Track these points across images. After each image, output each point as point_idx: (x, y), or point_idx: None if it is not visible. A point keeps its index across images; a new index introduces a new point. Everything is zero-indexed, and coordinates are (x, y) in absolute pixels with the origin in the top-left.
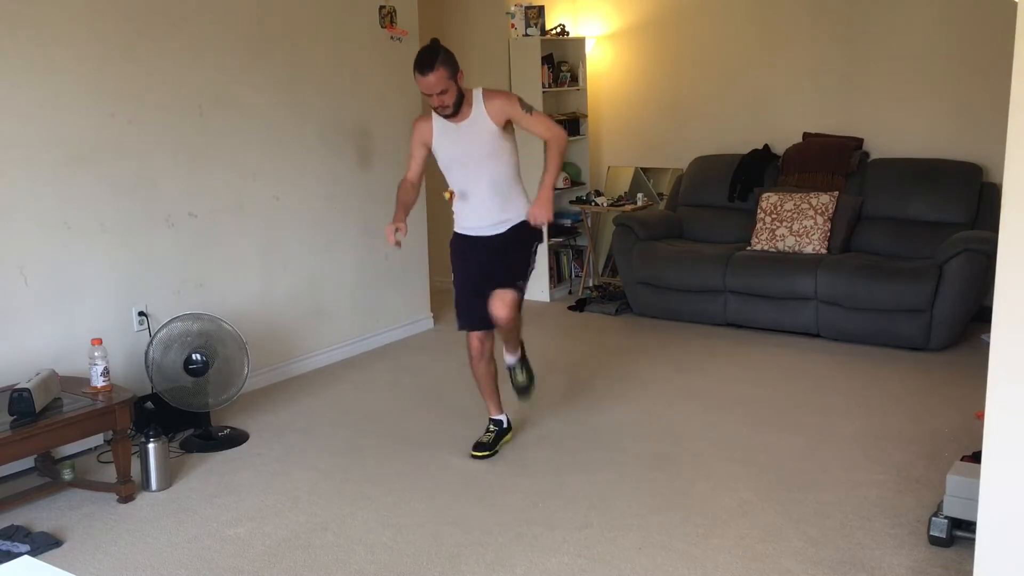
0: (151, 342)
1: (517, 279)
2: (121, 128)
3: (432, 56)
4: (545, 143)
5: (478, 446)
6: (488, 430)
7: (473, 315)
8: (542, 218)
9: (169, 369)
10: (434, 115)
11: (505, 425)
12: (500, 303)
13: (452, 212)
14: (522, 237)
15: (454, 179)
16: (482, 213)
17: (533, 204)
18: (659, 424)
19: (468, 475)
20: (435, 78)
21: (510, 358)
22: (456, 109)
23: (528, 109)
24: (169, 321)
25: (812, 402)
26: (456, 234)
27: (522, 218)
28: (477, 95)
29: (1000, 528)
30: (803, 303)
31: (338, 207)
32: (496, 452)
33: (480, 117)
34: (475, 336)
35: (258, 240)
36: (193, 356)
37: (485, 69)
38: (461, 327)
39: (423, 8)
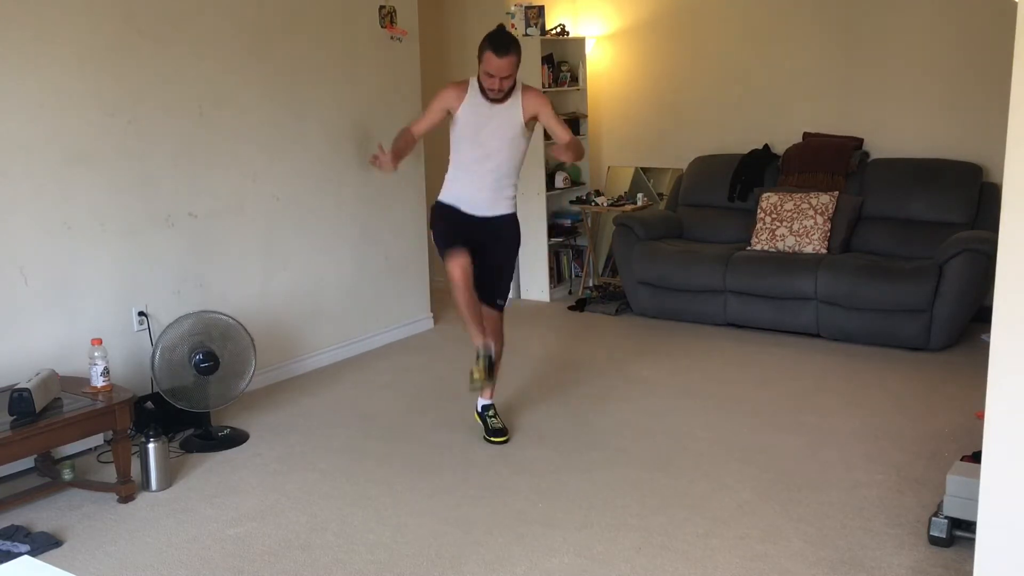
0: (158, 339)
1: (506, 272)
2: (121, 128)
3: (511, 40)
4: (560, 148)
5: (495, 432)
6: (473, 377)
7: (458, 240)
8: (565, 154)
9: (178, 366)
10: (471, 88)
11: (492, 352)
12: (495, 336)
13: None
14: (512, 234)
15: (461, 151)
16: (476, 192)
17: (563, 148)
18: (659, 424)
19: (468, 475)
20: (508, 63)
21: (486, 399)
22: (505, 98)
23: (556, 112)
24: (177, 319)
25: (812, 402)
26: (443, 203)
27: (510, 212)
28: (517, 88)
29: (1000, 528)
30: (803, 303)
31: (338, 207)
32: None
33: (514, 106)
34: (457, 261)
35: (258, 240)
36: (202, 353)
37: None
38: (443, 246)
39: (423, 8)
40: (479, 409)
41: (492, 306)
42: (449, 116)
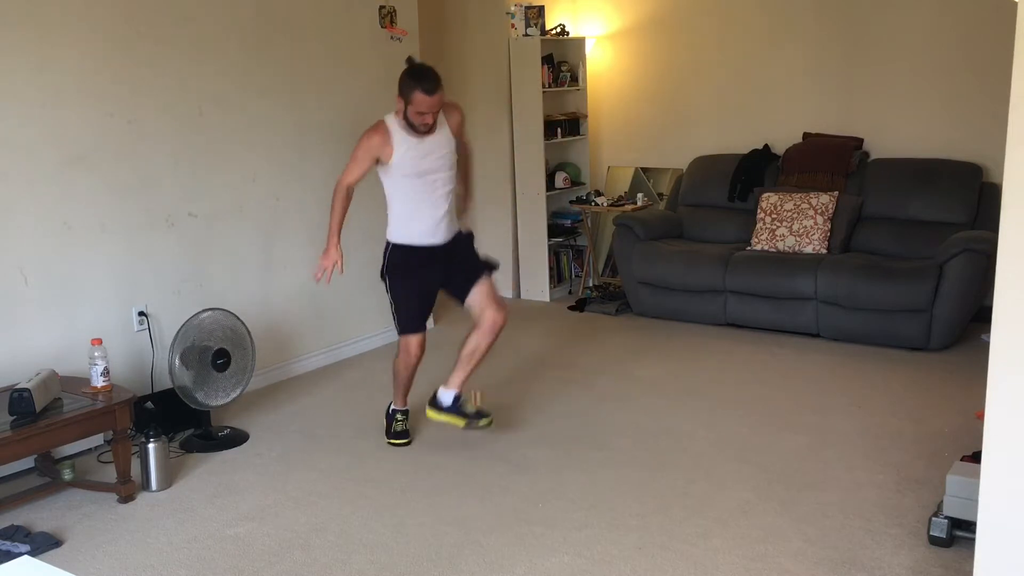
0: (176, 337)
1: (487, 269)
2: (121, 128)
3: (436, 75)
4: (462, 156)
5: (397, 435)
6: (398, 420)
7: (423, 319)
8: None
9: (194, 364)
10: (393, 129)
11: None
12: (497, 304)
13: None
14: (467, 242)
15: (407, 187)
16: (436, 222)
17: (467, 201)
18: (659, 424)
19: (468, 475)
20: (438, 98)
21: (450, 393)
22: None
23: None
24: (193, 316)
25: (812, 402)
26: (400, 246)
27: (464, 230)
28: None
29: (1000, 528)
30: (803, 303)
31: None
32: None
33: (443, 129)
34: (419, 338)
35: (258, 240)
36: (217, 350)
37: (485, 69)
38: (410, 330)
39: (423, 8)
40: (448, 403)
41: (483, 278)
42: (378, 163)
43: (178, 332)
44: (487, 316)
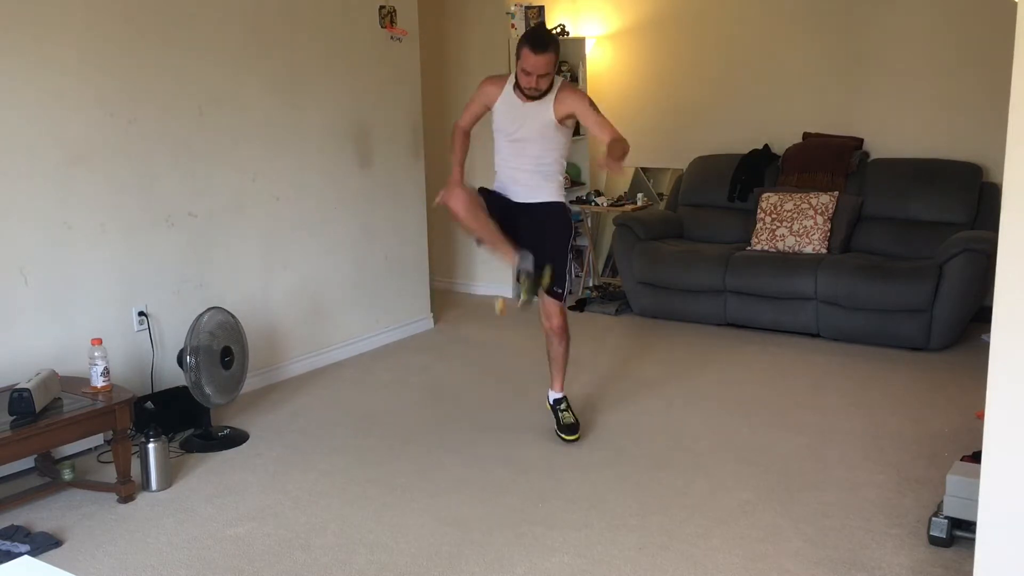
0: (191, 334)
1: (555, 259)
2: (121, 128)
3: (550, 38)
4: (609, 142)
5: (566, 428)
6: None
7: (494, 205)
8: (611, 166)
9: (206, 361)
10: (507, 85)
11: (530, 264)
12: (547, 316)
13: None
14: (559, 218)
15: (501, 144)
16: (514, 178)
17: (606, 158)
18: (659, 424)
19: (468, 475)
20: (546, 60)
21: (556, 392)
22: (541, 96)
23: (595, 110)
24: (198, 317)
25: (812, 402)
26: (488, 188)
27: (554, 199)
28: (555, 86)
29: (1000, 528)
30: (803, 303)
31: (338, 207)
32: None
33: (546, 106)
34: (464, 191)
35: (258, 240)
36: (229, 348)
37: (485, 69)
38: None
39: (423, 8)
40: (551, 402)
41: (551, 295)
42: (487, 109)
43: (189, 332)
44: (544, 326)
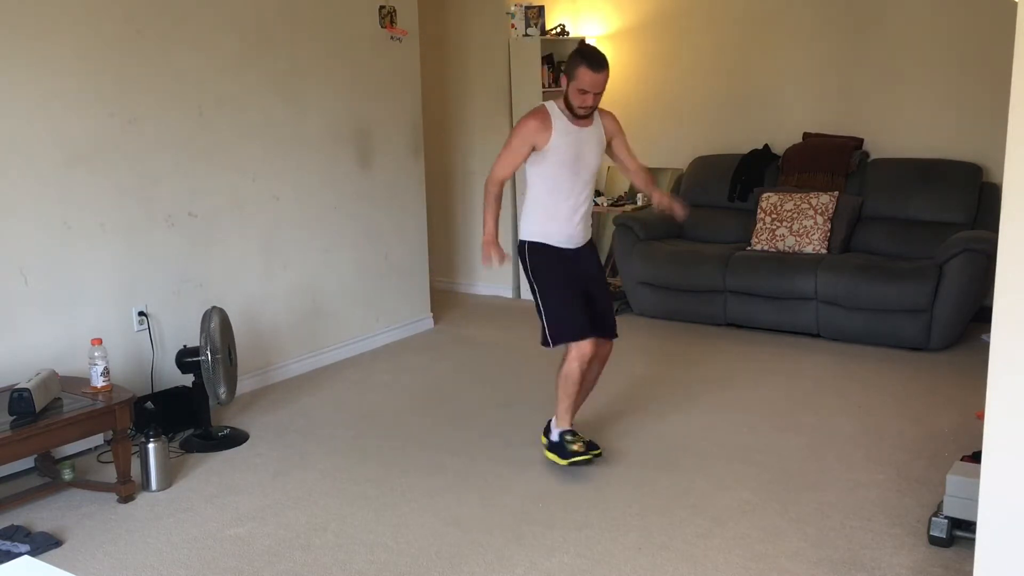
0: (203, 338)
1: (612, 306)
2: (121, 128)
3: (603, 56)
4: (635, 175)
5: (589, 444)
6: (573, 440)
7: (585, 319)
8: (673, 206)
9: (222, 360)
10: (553, 112)
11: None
12: (609, 346)
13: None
14: (597, 256)
15: (557, 179)
16: (575, 224)
17: (663, 196)
18: (659, 424)
19: (468, 475)
20: (604, 77)
21: (566, 425)
22: (591, 113)
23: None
24: (209, 312)
25: (812, 402)
26: (541, 244)
27: (591, 236)
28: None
29: (1000, 528)
30: (803, 303)
31: (338, 207)
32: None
33: (598, 126)
34: (589, 342)
35: (258, 240)
36: (230, 346)
37: (485, 69)
38: (575, 337)
39: (423, 8)
40: (557, 435)
41: (611, 337)
42: (533, 150)
43: (202, 332)
44: (586, 357)
